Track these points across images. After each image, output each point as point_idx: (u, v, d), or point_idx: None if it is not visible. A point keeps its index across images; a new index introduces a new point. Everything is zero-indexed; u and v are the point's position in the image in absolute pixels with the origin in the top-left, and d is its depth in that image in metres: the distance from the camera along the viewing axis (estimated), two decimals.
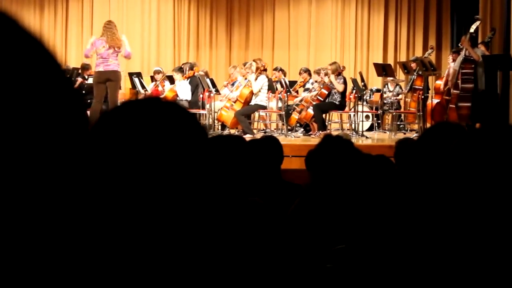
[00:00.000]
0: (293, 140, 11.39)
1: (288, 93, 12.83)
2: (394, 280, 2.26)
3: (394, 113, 12.67)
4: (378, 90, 14.01)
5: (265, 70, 12.17)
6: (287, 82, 13.18)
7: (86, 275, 0.75)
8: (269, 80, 12.24)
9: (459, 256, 1.57)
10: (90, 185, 0.72)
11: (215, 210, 1.10)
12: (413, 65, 12.31)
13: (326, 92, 12.01)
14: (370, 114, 13.76)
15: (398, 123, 12.81)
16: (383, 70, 12.89)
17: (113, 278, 0.98)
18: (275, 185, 3.89)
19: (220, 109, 12.24)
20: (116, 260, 1.00)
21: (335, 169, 3.34)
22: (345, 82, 11.98)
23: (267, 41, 16.98)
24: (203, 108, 12.21)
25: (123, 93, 13.81)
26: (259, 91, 11.83)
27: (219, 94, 12.71)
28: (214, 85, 12.36)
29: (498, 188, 1.56)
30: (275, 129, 13.00)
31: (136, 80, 13.44)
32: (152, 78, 14.35)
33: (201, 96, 12.44)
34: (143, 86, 13.49)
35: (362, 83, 13.41)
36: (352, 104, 12.85)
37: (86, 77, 13.48)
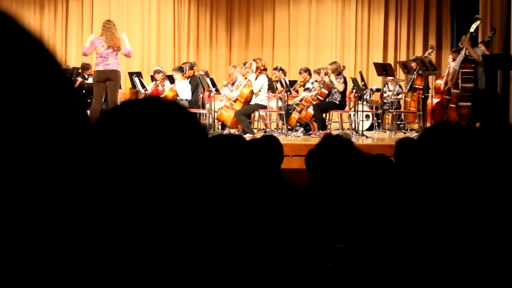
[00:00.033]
0: (293, 139, 11.39)
1: (288, 93, 12.83)
2: (394, 280, 2.26)
3: (394, 113, 12.67)
4: (378, 90, 14.01)
5: (265, 69, 12.17)
6: (287, 82, 13.18)
7: (86, 275, 0.75)
8: (269, 79, 12.24)
9: (459, 256, 1.57)
10: (90, 185, 0.72)
11: (215, 209, 1.10)
12: (413, 64, 12.30)
13: (326, 92, 12.01)
14: (370, 114, 13.76)
15: (398, 122, 12.81)
16: (383, 69, 12.88)
17: (113, 278, 0.98)
18: (275, 184, 3.89)
19: (220, 109, 12.24)
20: (116, 260, 1.00)
21: (335, 168, 3.34)
22: (345, 82, 11.98)
23: (267, 41, 16.97)
24: (203, 107, 12.21)
25: (123, 92, 13.81)
26: (259, 90, 11.83)
27: (219, 93, 12.71)
28: (214, 85, 12.36)
29: (498, 188, 1.56)
30: (275, 128, 13.00)
31: (136, 79, 13.43)
32: (152, 78, 14.34)
33: (201, 95, 12.44)
34: (143, 86, 13.49)
35: (362, 83, 13.41)
36: (352, 104, 12.85)
37: (86, 76, 13.48)
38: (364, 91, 13.33)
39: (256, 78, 11.86)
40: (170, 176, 1.04)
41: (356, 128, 12.06)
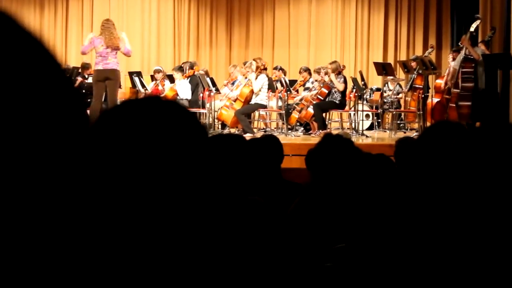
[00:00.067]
0: (293, 139, 11.38)
1: (288, 92, 12.83)
2: (394, 279, 2.26)
3: (394, 112, 12.67)
4: (378, 89, 14.01)
5: (265, 69, 12.16)
6: (287, 81, 13.17)
7: (86, 274, 0.75)
8: (269, 79, 12.24)
9: (459, 255, 1.57)
10: (90, 184, 0.72)
11: (215, 209, 1.10)
12: (413, 64, 12.30)
13: (326, 91, 12.01)
14: (370, 113, 13.76)
15: (398, 122, 12.81)
16: (383, 69, 12.88)
17: (113, 277, 0.98)
18: (275, 184, 3.89)
19: (220, 108, 12.24)
20: (116, 260, 1.00)
21: (335, 168, 3.34)
22: (345, 81, 11.98)
23: (267, 40, 16.97)
24: (203, 107, 12.21)
25: (123, 92, 13.80)
26: (260, 90, 11.83)
27: (219, 93, 12.71)
28: (214, 84, 12.36)
29: (498, 187, 1.56)
30: (275, 128, 13.00)
31: (136, 79, 13.43)
32: (152, 77, 14.34)
33: (201, 95, 12.44)
34: (143, 85, 13.49)
35: (362, 82, 13.41)
36: (352, 103, 12.85)
37: (86, 76, 13.48)
38: (364, 91, 13.33)
39: (256, 78, 11.86)
40: (170, 175, 1.04)
41: (356, 128, 12.06)
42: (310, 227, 3.17)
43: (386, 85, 13.56)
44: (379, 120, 13.58)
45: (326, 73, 12.11)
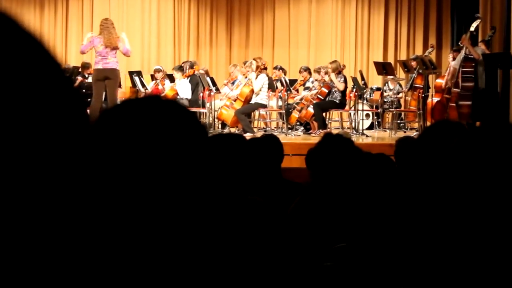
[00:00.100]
0: (293, 138, 11.38)
1: (288, 92, 12.83)
2: (394, 278, 2.26)
3: (394, 112, 12.67)
4: (378, 89, 14.01)
5: (265, 68, 12.16)
6: (287, 81, 13.17)
7: (86, 274, 0.75)
8: (269, 78, 12.24)
9: (459, 254, 1.57)
10: (90, 184, 0.72)
11: (215, 208, 1.10)
12: (414, 63, 12.30)
13: (327, 91, 12.01)
14: (370, 113, 13.76)
15: (398, 121, 12.81)
16: (383, 68, 12.88)
17: (113, 277, 0.98)
18: (275, 183, 3.89)
19: (220, 108, 12.24)
20: (116, 259, 1.00)
21: (336, 167, 3.34)
22: (345, 81, 11.98)
23: (267, 40, 16.97)
24: (203, 106, 12.21)
25: (123, 91, 13.81)
26: (260, 90, 11.83)
27: (219, 92, 12.71)
28: (214, 84, 12.35)
29: (498, 186, 1.56)
30: (275, 127, 13.00)
31: (136, 78, 13.42)
32: (152, 77, 14.34)
33: (201, 94, 12.44)
34: (143, 85, 13.49)
35: (362, 82, 13.40)
36: (352, 103, 12.85)
37: (86, 75, 13.48)
38: (364, 90, 13.33)
39: (256, 77, 11.86)
40: (170, 175, 1.04)
41: (356, 127, 12.06)
42: (310, 227, 3.17)
43: (386, 84, 13.57)
44: (379, 120, 13.59)
45: (326, 73, 12.10)
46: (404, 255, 2.21)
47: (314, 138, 10.59)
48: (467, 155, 1.59)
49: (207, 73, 13.28)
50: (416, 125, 12.23)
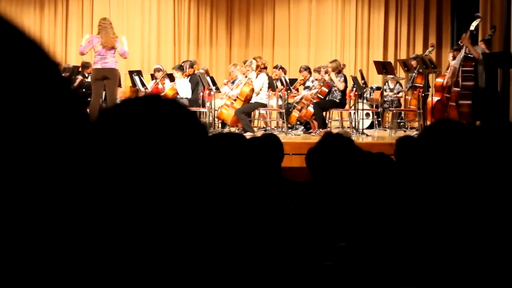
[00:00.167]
0: (294, 138, 11.38)
1: (289, 91, 12.84)
2: (394, 278, 2.26)
3: (394, 111, 12.67)
4: (378, 88, 14.01)
5: (265, 68, 12.16)
6: (287, 80, 13.17)
7: (86, 274, 0.75)
8: (269, 78, 12.23)
9: (459, 253, 1.57)
10: (90, 183, 0.72)
11: (215, 208, 1.10)
12: (414, 63, 12.30)
13: (327, 90, 12.01)
14: (370, 112, 13.76)
15: (399, 121, 12.81)
16: (384, 68, 12.88)
17: (113, 277, 0.98)
18: (275, 183, 3.89)
19: (221, 107, 12.24)
20: (116, 259, 1.00)
21: (336, 167, 3.34)
22: (345, 80, 11.98)
23: (267, 39, 16.97)
24: (203, 106, 12.21)
25: (123, 91, 13.81)
26: (260, 89, 11.83)
27: (219, 92, 12.71)
28: (214, 83, 12.36)
29: (498, 185, 1.56)
30: (275, 127, 13.00)
31: (136, 78, 13.42)
32: (153, 76, 14.34)
33: (201, 94, 12.44)
34: (143, 84, 13.49)
35: (363, 81, 13.41)
36: (352, 102, 12.85)
37: (86, 75, 13.48)
38: (364, 90, 13.33)
39: (256, 77, 11.86)
40: (170, 174, 1.04)
41: (356, 127, 12.06)
42: (310, 226, 3.17)
43: (386, 84, 13.57)
44: (379, 119, 13.59)
45: (326, 72, 12.10)
46: (404, 254, 2.21)
47: (314, 137, 10.59)
48: (467, 155, 1.59)
49: (207, 72, 13.28)
50: (416, 124, 12.24)
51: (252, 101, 11.91)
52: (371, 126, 13.55)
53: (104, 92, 10.61)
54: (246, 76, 12.16)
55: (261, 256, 1.70)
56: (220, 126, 12.61)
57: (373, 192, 2.77)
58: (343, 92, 11.97)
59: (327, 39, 16.73)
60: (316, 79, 12.69)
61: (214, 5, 17.01)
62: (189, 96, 12.83)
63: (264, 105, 12.04)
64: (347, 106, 12.64)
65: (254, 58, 12.35)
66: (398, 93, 13.45)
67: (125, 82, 14.21)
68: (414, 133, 10.97)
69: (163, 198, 1.03)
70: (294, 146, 9.06)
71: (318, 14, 16.76)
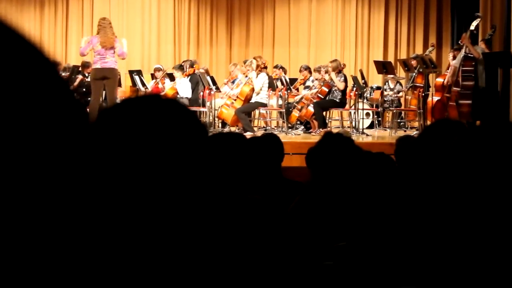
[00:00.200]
0: (294, 137, 11.38)
1: (289, 91, 12.84)
2: (394, 278, 2.26)
3: (394, 111, 12.67)
4: (378, 88, 14.01)
5: (265, 67, 12.16)
6: (288, 80, 13.17)
7: (86, 274, 0.75)
8: (270, 77, 12.24)
9: (459, 253, 1.57)
10: (89, 183, 0.72)
11: (215, 207, 1.10)
12: (414, 62, 12.29)
13: (327, 90, 12.01)
14: (370, 112, 13.76)
15: (399, 120, 12.81)
16: (384, 67, 12.88)
17: (113, 277, 0.98)
18: (275, 182, 3.89)
19: (221, 107, 12.24)
20: (116, 259, 1.00)
21: (336, 166, 3.34)
22: (345, 80, 11.98)
23: (267, 39, 16.97)
24: (204, 105, 12.21)
25: (123, 90, 13.80)
26: (261, 89, 11.83)
27: (220, 91, 12.71)
28: (214, 83, 12.36)
29: (498, 185, 1.56)
30: (275, 126, 13.00)
31: (136, 77, 13.42)
32: (153, 76, 14.34)
33: (201, 93, 12.44)
34: (143, 84, 13.49)
35: (363, 81, 13.41)
36: (352, 102, 12.85)
37: (87, 74, 13.48)
38: (365, 89, 13.33)
39: (256, 76, 11.86)
40: (170, 174, 1.04)
41: (357, 126, 12.06)
42: (310, 226, 3.17)
43: (387, 83, 13.56)
44: (380, 119, 13.59)
45: (326, 72, 12.10)
46: (404, 254, 2.21)
47: (314, 137, 10.59)
48: (467, 154, 1.59)
49: (207, 72, 13.27)
50: (416, 124, 12.24)
51: (252, 100, 11.91)
52: (371, 126, 13.55)
53: (104, 92, 10.60)
54: (246, 76, 12.16)
55: (261, 256, 1.70)
56: (220, 125, 12.61)
57: (373, 192, 2.77)
58: (343, 92, 11.97)
59: (327, 38, 16.73)
60: (316, 79, 12.69)
61: (214, 5, 17.01)
62: (189, 95, 12.83)
63: (264, 105, 12.04)
64: (347, 106, 12.63)
65: (254, 58, 12.35)
66: (398, 92, 13.45)
67: (125, 81, 14.21)
68: (414, 133, 10.97)
69: (163, 198, 1.03)
70: (294, 146, 9.06)
71: (318, 13, 16.76)
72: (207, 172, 1.07)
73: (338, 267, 2.55)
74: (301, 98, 12.67)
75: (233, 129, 11.89)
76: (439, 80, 11.90)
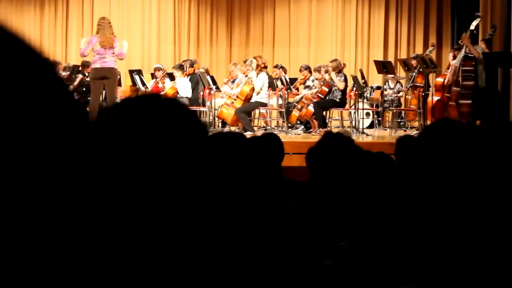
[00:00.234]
0: (294, 137, 11.38)
1: (289, 91, 12.84)
2: (394, 277, 2.26)
3: (394, 111, 12.68)
4: (378, 88, 14.01)
5: (265, 67, 12.17)
6: (288, 80, 13.17)
7: (86, 274, 0.75)
8: (270, 77, 12.24)
9: (459, 253, 1.57)
10: (89, 183, 0.72)
11: (215, 207, 1.10)
12: (414, 62, 12.30)
13: (327, 90, 12.01)
14: (370, 112, 13.76)
15: (399, 120, 12.82)
16: (384, 67, 12.88)
17: (114, 277, 0.98)
18: (275, 182, 3.89)
19: (221, 107, 12.24)
20: (116, 259, 1.00)
21: (336, 166, 3.34)
22: (345, 80, 11.98)
23: (267, 39, 16.97)
24: (204, 105, 12.21)
25: (123, 90, 13.81)
26: (261, 89, 11.83)
27: (220, 91, 12.71)
28: (214, 82, 12.36)
29: (498, 185, 1.56)
30: (275, 126, 13.01)
31: (136, 77, 13.43)
32: (153, 75, 14.34)
33: (201, 93, 12.44)
34: (143, 83, 13.49)
35: (363, 81, 13.41)
36: (352, 102, 12.85)
37: (87, 74, 13.48)
38: (365, 89, 13.33)
39: (256, 76, 11.86)
40: (170, 174, 1.04)
41: (357, 126, 12.06)
42: (310, 225, 3.17)
43: (387, 83, 13.56)
44: (380, 119, 13.59)
45: (326, 71, 12.11)
46: (404, 254, 2.21)
47: (314, 136, 10.60)
48: (467, 154, 1.59)
49: (207, 71, 13.27)
50: (416, 124, 12.24)
51: (252, 100, 11.92)
52: (371, 126, 13.55)
53: (104, 92, 10.60)
54: (246, 76, 12.16)
55: (261, 256, 1.70)
56: (220, 125, 12.61)
57: (373, 192, 2.77)
58: (343, 92, 11.97)
59: (327, 38, 16.73)
60: (316, 79, 12.69)
61: (215, 4, 17.01)
62: (189, 95, 12.83)
63: (264, 105, 12.04)
64: (347, 106, 12.64)
65: (254, 58, 12.35)
66: (398, 92, 13.45)
67: (125, 81, 14.21)
68: (414, 132, 10.97)
69: (163, 197, 1.03)
70: (294, 146, 9.06)
71: (319, 13, 16.75)
72: (207, 172, 1.07)
73: (337, 267, 2.54)
74: (301, 97, 12.67)
75: (233, 128, 11.89)
76: (439, 80, 11.90)
